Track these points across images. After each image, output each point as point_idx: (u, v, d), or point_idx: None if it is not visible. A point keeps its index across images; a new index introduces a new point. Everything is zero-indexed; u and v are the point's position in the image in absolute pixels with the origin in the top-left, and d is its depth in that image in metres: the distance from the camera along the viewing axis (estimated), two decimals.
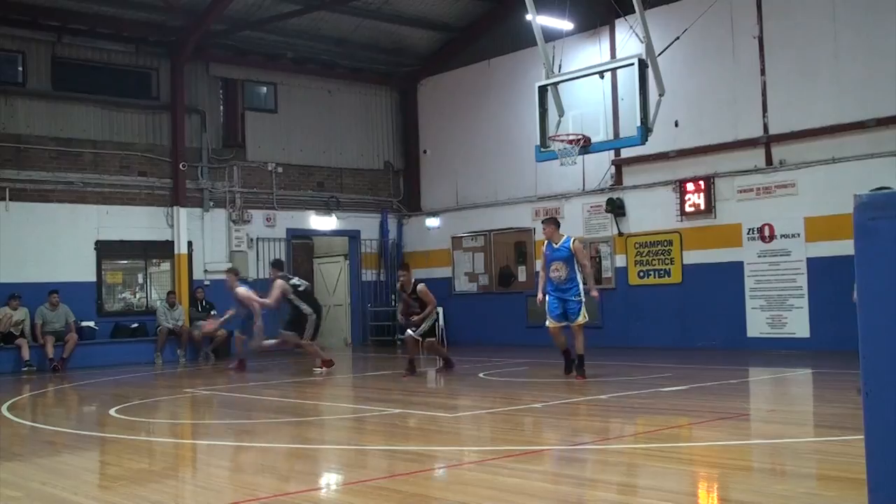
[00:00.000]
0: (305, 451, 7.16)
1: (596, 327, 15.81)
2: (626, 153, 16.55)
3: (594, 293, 11.10)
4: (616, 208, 17.09)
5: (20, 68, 16.74)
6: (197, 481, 6.36)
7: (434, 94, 21.08)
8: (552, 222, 11.43)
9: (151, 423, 9.25)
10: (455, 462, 6.36)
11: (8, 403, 10.64)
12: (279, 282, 13.92)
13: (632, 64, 11.83)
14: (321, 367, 13.65)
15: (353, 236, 20.70)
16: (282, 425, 8.60)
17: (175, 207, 17.95)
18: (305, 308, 13.82)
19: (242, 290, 14.60)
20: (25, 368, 15.28)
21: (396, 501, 5.10)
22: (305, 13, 18.21)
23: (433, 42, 20.72)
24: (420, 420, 8.57)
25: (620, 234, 17.19)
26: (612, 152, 16.38)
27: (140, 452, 7.49)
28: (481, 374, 12.44)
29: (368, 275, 20.58)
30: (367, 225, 20.89)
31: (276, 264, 14.86)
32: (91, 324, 16.59)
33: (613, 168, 17.28)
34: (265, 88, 19.77)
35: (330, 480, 6.21)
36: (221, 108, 19.15)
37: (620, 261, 17.21)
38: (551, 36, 14.68)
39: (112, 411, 9.60)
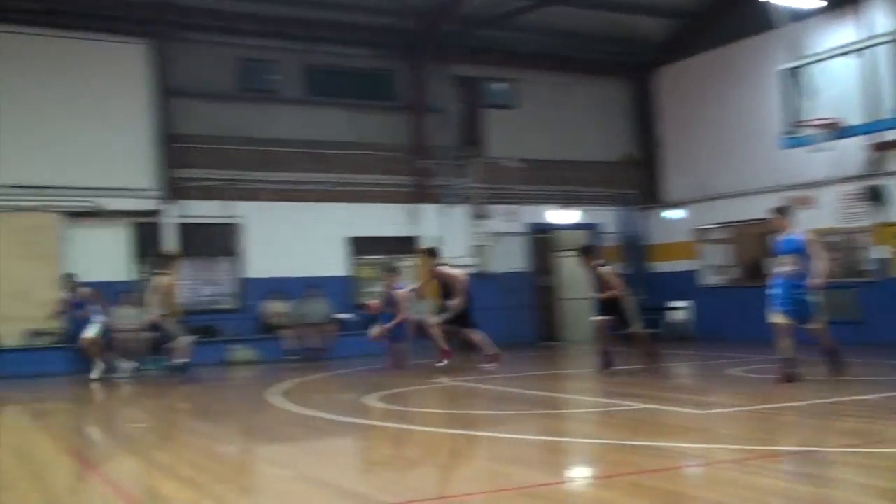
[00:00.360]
0: (554, 444, 7.24)
1: (856, 323, 14.89)
2: (887, 136, 15.38)
3: (815, 282, 9.93)
4: (876, 196, 15.93)
5: (275, 77, 17.96)
6: (451, 469, 6.58)
7: (672, 82, 20.55)
8: (781, 212, 10.58)
9: (406, 411, 9.63)
10: (709, 460, 6.19)
11: (275, 390, 11.47)
12: (459, 270, 14.07)
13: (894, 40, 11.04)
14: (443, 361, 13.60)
15: (594, 229, 20.57)
16: (529, 417, 8.73)
17: (418, 204, 18.63)
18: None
19: (403, 292, 14.58)
20: (289, 357, 16.41)
21: (651, 498, 5.06)
22: (538, 8, 18.32)
23: (668, 29, 20.25)
24: (670, 416, 8.41)
25: (882, 223, 16.01)
26: (870, 135, 15.29)
27: (397, 440, 7.86)
28: (733, 371, 12.03)
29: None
30: (607, 218, 20.70)
31: (432, 252, 14.54)
32: (347, 315, 17.50)
33: (873, 152, 16.11)
34: (502, 85, 20.05)
35: (580, 473, 6.25)
36: (460, 106, 19.63)
37: (882, 252, 16.04)
38: (796, 16, 13.91)
39: (369, 399, 10.11)
